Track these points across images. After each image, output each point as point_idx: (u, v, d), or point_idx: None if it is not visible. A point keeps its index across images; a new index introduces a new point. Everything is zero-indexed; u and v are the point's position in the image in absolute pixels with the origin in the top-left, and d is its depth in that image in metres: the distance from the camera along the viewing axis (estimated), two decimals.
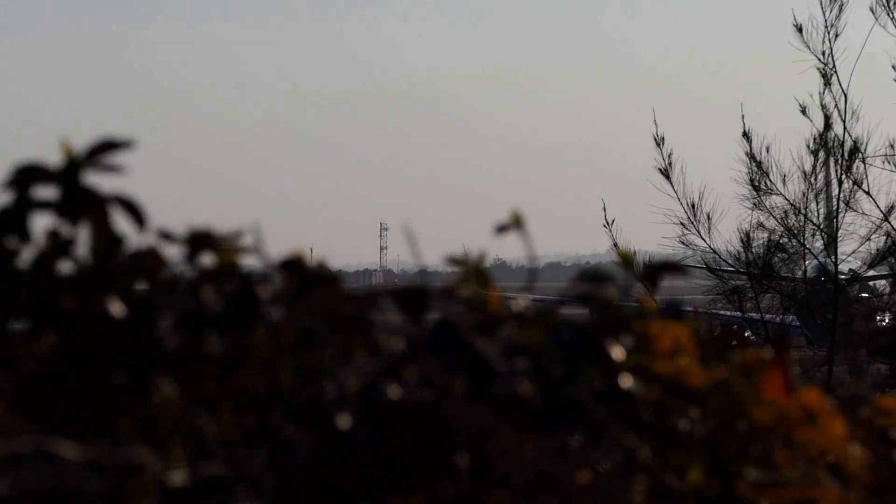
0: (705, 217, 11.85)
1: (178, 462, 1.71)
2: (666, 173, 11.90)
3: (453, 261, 2.09)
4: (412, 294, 2.05)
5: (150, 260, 1.94)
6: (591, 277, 2.10)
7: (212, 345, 1.86)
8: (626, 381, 1.97)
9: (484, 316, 2.05)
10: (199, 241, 1.97)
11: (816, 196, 11.54)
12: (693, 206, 11.83)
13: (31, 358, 1.83)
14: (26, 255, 1.89)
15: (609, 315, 2.04)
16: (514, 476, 1.85)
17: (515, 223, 2.12)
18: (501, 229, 2.13)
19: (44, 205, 1.90)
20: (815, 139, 11.40)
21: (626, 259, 2.19)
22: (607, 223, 12.00)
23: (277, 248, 2.04)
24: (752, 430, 2.03)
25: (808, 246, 11.63)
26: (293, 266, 2.00)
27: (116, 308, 1.88)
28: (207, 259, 1.99)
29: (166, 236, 1.97)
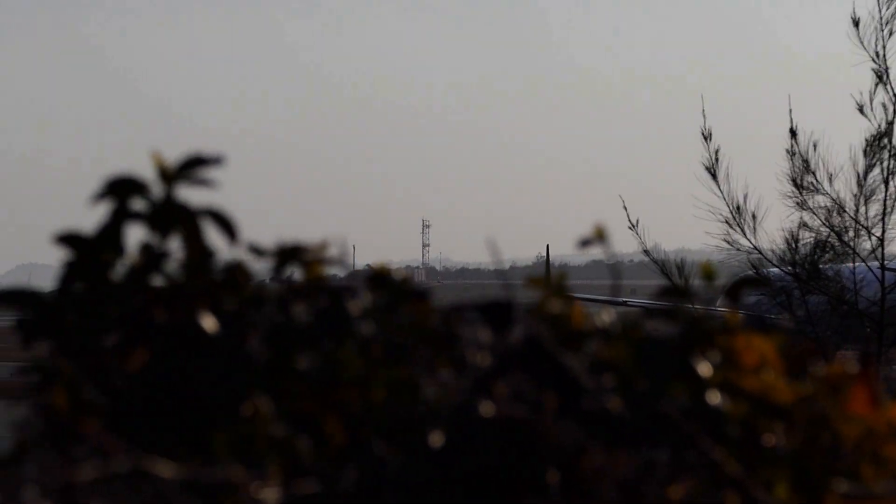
0: (750, 216, 11.48)
1: (272, 480, 1.72)
2: (712, 171, 11.55)
3: (532, 281, 2.08)
4: (497, 308, 2.05)
5: (238, 274, 1.95)
6: (675, 292, 2.10)
7: (303, 360, 1.87)
8: (714, 398, 1.97)
9: (569, 331, 2.04)
10: (287, 254, 1.98)
11: (868, 198, 11.20)
12: (738, 208, 11.48)
13: (123, 373, 1.84)
14: (120, 269, 1.90)
15: (694, 330, 2.04)
16: (603, 492, 1.85)
17: (599, 237, 2.12)
18: (585, 243, 2.12)
19: (137, 217, 1.90)
20: (867, 139, 11.11)
21: (708, 273, 2.19)
22: (632, 225, 11.74)
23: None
24: (838, 444, 2.02)
25: (854, 247, 11.29)
26: (380, 280, 2.01)
27: (208, 322, 1.88)
28: (294, 271, 1.99)
29: (256, 250, 1.97)
